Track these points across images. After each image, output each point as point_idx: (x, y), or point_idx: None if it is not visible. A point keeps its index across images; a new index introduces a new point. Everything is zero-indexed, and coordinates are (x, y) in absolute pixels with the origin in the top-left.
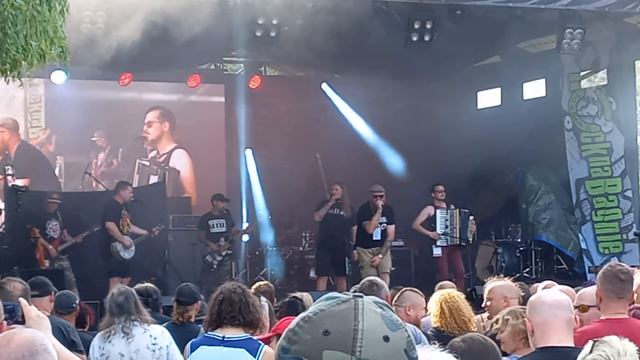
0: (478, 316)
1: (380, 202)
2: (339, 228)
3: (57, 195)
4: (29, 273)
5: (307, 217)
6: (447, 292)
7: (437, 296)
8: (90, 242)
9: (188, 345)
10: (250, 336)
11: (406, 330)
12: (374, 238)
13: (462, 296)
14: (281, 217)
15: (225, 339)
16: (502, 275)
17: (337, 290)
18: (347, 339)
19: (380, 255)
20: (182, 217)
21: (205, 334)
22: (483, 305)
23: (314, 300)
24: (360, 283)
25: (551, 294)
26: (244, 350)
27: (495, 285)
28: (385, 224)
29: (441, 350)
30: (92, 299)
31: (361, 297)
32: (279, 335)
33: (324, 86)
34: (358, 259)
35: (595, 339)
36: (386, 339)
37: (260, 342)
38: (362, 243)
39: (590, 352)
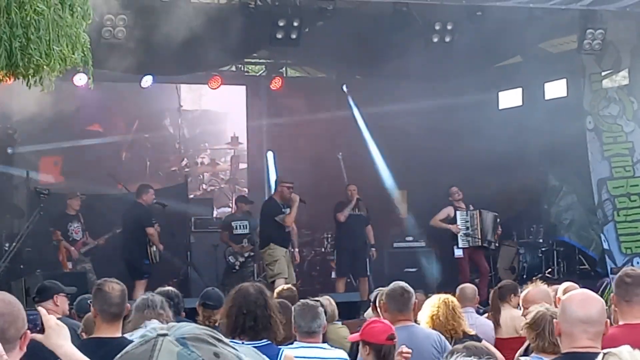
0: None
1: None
2: (359, 228)
3: (80, 193)
4: (51, 276)
5: (329, 218)
6: (438, 298)
7: (430, 301)
8: (112, 244)
9: None
10: (270, 341)
11: None
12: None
13: (454, 303)
14: (302, 219)
15: (244, 345)
16: (535, 279)
17: (359, 291)
18: None
19: (297, 250)
20: (204, 218)
21: None
22: (522, 313)
23: (335, 303)
24: (392, 289)
25: (585, 307)
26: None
27: (535, 292)
28: None
29: None
30: None
31: (166, 335)
32: (363, 341)
33: (345, 87)
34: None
35: (606, 351)
36: None
37: (279, 347)
38: (276, 240)
39: None
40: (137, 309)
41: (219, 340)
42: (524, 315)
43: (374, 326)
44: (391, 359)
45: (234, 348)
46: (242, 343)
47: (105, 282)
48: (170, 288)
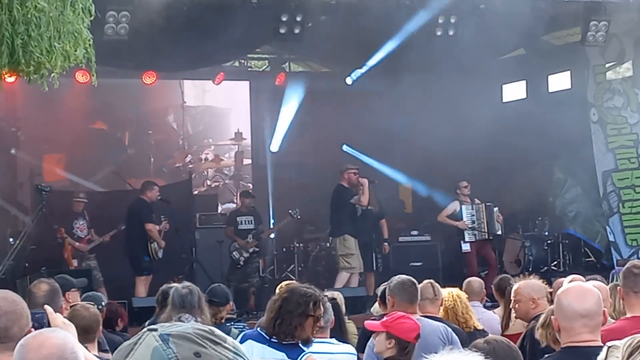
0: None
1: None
2: (368, 223)
3: (84, 194)
4: (57, 273)
5: None
6: (449, 292)
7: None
8: (117, 241)
9: (240, 335)
10: (296, 341)
11: None
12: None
13: (464, 296)
14: (307, 214)
15: (271, 340)
16: (527, 273)
17: (365, 286)
18: None
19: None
20: (209, 214)
21: (259, 330)
22: (511, 306)
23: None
24: (400, 282)
25: (583, 301)
26: (284, 355)
27: (522, 285)
28: None
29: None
30: (120, 298)
31: (154, 330)
32: (389, 333)
33: (348, 79)
34: (338, 249)
35: (610, 344)
36: None
37: (303, 349)
38: (350, 230)
39: (606, 357)
40: (172, 305)
41: (215, 342)
42: (513, 308)
43: (404, 322)
44: (410, 356)
45: (234, 352)
46: (270, 338)
47: (36, 283)
48: (176, 285)
